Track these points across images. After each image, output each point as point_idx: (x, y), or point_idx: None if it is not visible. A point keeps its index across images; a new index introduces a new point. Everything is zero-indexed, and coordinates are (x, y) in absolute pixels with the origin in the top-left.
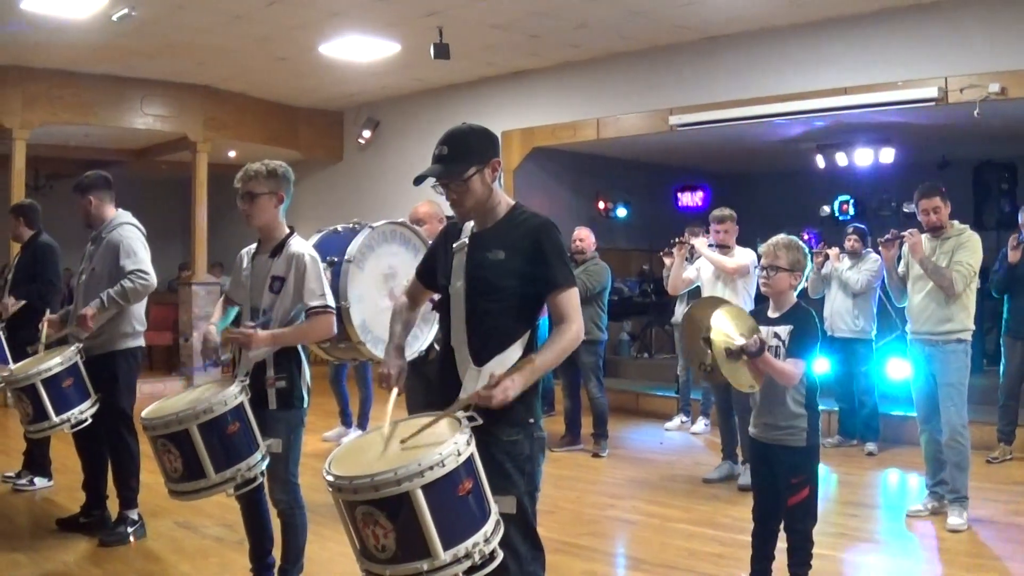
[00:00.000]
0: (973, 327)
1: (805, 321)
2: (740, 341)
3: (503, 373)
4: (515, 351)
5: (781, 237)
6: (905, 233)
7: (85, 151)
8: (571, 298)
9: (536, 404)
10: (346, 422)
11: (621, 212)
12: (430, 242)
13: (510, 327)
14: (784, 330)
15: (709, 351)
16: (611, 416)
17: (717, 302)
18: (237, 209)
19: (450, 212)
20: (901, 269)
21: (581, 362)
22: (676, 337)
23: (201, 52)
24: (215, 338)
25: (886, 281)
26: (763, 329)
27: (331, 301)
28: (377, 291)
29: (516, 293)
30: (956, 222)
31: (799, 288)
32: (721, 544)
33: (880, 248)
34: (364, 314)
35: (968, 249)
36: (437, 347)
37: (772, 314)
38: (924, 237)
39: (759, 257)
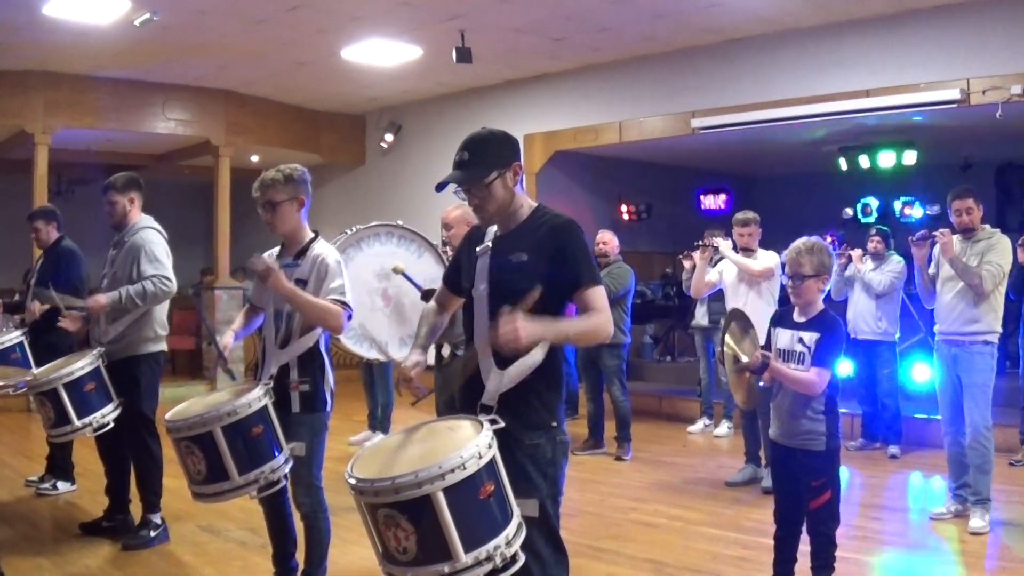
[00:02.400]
0: (1000, 330)
1: (832, 330)
2: (744, 358)
3: (516, 312)
4: (538, 354)
5: (802, 241)
6: (936, 232)
7: (107, 156)
8: (597, 294)
9: (559, 408)
10: (373, 425)
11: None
12: (435, 243)
13: None
14: (809, 337)
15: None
16: (634, 419)
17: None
18: (259, 214)
19: None
20: (931, 270)
21: (604, 365)
22: (697, 340)
23: (223, 56)
24: (226, 342)
25: (916, 282)
26: (788, 333)
27: (351, 301)
28: (367, 291)
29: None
30: (988, 226)
31: (826, 290)
32: (744, 547)
33: (911, 247)
34: None
35: (998, 251)
36: (445, 350)
37: (798, 318)
38: (955, 238)
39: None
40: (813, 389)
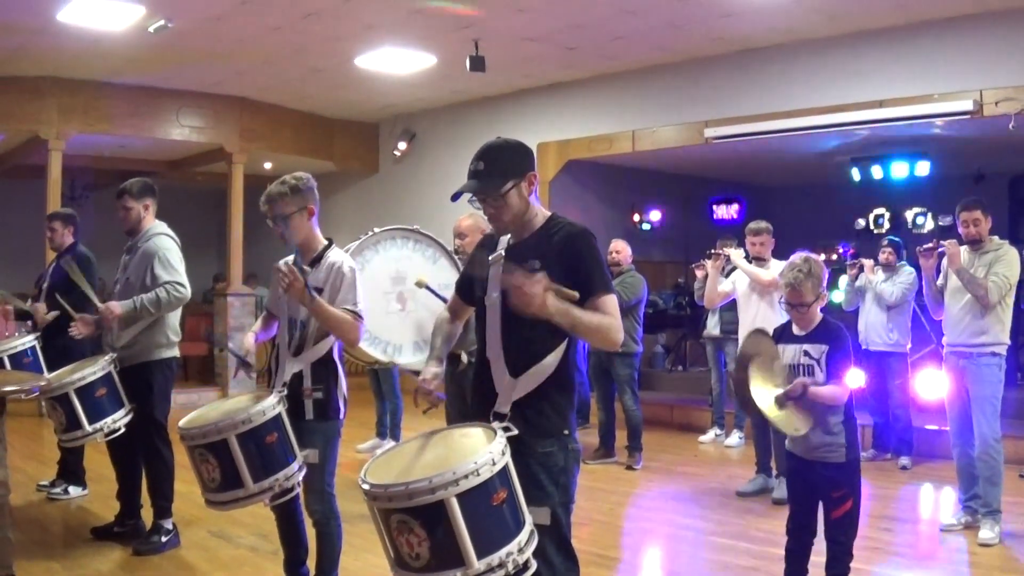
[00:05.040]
0: (1008, 341)
1: (838, 339)
2: (779, 390)
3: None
4: (551, 362)
5: (798, 269)
6: (944, 243)
7: (121, 162)
8: (610, 302)
9: (571, 416)
10: (382, 433)
11: (655, 215)
12: (449, 248)
13: (546, 338)
14: (815, 349)
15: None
16: (645, 429)
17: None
18: (270, 227)
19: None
20: (940, 282)
21: (616, 374)
22: (709, 350)
23: (237, 63)
24: (249, 344)
25: (924, 292)
26: (792, 348)
27: (363, 312)
28: (383, 293)
29: None
30: (996, 237)
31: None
32: (754, 557)
33: (919, 257)
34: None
35: (1006, 262)
36: (464, 357)
37: (799, 331)
38: (963, 249)
39: None
40: (839, 401)
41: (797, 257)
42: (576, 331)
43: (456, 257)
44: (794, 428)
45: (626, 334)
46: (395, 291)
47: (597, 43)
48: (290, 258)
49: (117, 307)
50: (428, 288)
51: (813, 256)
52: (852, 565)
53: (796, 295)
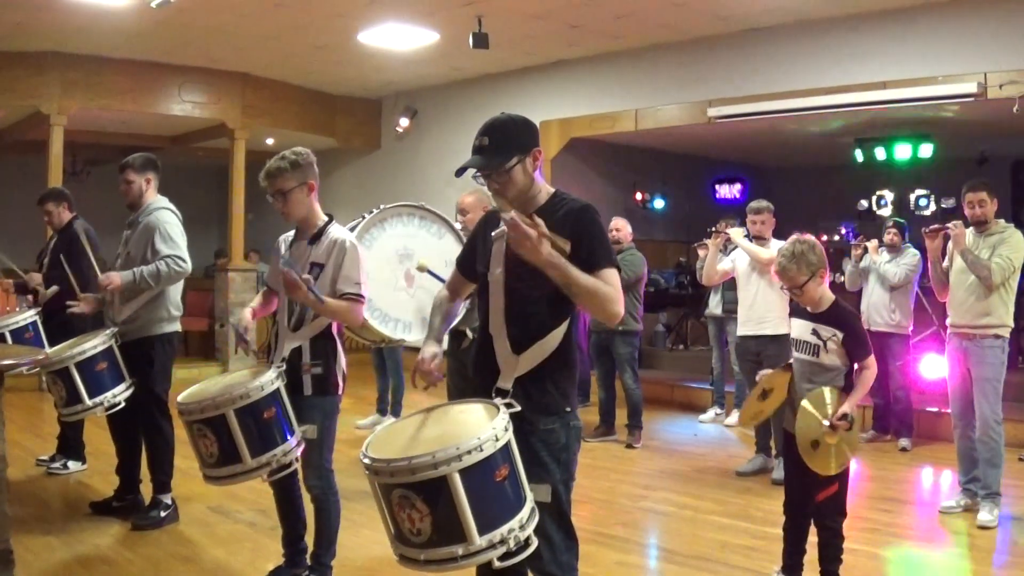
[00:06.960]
0: (1012, 324)
1: (852, 324)
2: (826, 424)
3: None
4: (553, 339)
5: (783, 255)
6: (949, 224)
7: (122, 137)
8: (612, 276)
9: (572, 394)
10: (382, 409)
11: (658, 204)
12: (456, 226)
13: (548, 315)
14: (825, 330)
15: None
16: (645, 407)
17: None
18: (270, 203)
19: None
20: (946, 264)
21: (617, 353)
22: (711, 329)
23: (240, 39)
24: (247, 321)
25: (929, 273)
26: (801, 323)
27: (365, 291)
28: (390, 271)
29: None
30: (1002, 220)
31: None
32: (753, 537)
33: (924, 237)
34: (369, 292)
35: (1010, 245)
36: (469, 334)
37: (812, 309)
38: (968, 231)
39: None
40: (871, 380)
41: (788, 241)
42: (571, 290)
43: (461, 233)
44: (848, 455)
45: (626, 312)
46: (403, 268)
47: (601, 21)
48: (290, 234)
49: (117, 277)
50: (429, 272)
51: (804, 237)
52: (850, 546)
53: (787, 279)
